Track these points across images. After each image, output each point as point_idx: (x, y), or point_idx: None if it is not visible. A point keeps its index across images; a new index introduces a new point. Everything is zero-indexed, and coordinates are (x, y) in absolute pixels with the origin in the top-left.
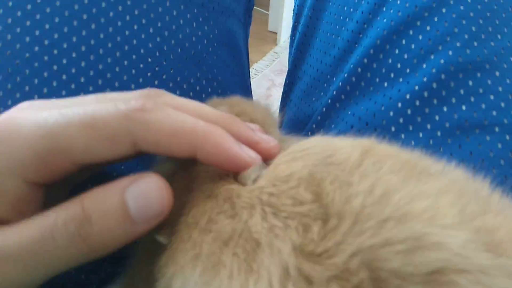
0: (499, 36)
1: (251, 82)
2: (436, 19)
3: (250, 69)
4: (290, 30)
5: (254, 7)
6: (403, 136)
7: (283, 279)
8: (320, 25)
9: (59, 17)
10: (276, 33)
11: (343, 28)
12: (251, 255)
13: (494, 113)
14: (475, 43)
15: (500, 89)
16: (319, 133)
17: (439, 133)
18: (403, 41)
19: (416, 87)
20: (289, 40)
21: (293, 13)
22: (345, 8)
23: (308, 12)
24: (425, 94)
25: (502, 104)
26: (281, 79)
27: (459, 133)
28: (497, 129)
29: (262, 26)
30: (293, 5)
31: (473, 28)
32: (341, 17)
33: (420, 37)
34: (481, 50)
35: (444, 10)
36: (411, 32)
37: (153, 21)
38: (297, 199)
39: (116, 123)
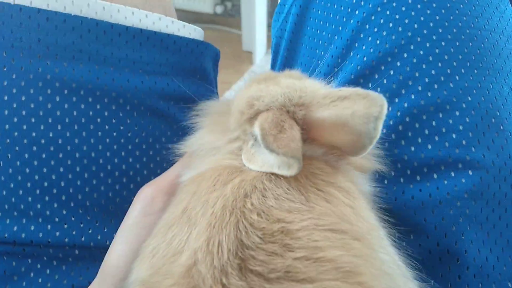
0: (457, 77)
1: None
2: (398, 64)
3: (229, 91)
4: (265, 48)
5: (227, 28)
6: (377, 175)
7: None
8: (296, 65)
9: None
10: (251, 53)
11: (316, 70)
12: None
13: (457, 150)
14: (436, 86)
15: (461, 127)
16: None
17: (408, 172)
18: (370, 85)
19: (384, 130)
20: (265, 58)
21: (272, 51)
22: (316, 51)
23: (284, 52)
24: (393, 136)
25: (464, 142)
26: None
27: (427, 171)
28: (460, 166)
29: (236, 47)
30: (271, 43)
31: (433, 72)
32: (313, 59)
33: (385, 81)
34: (441, 92)
35: (405, 55)
36: (376, 76)
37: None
38: None
39: None
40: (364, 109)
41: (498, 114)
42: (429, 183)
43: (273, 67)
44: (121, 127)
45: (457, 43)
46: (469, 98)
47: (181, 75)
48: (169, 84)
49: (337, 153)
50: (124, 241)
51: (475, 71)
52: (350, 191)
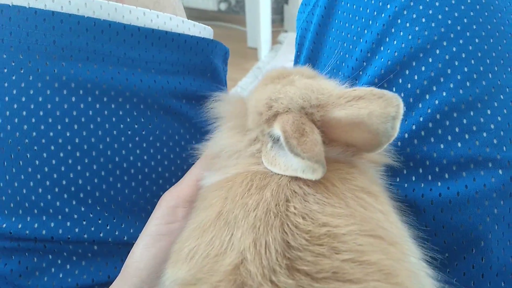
0: (490, 75)
1: None
2: (430, 60)
3: (235, 88)
4: (269, 44)
5: (231, 25)
6: (405, 171)
7: None
8: (322, 58)
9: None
10: (256, 49)
11: (343, 64)
12: None
13: (488, 149)
14: (468, 83)
15: (492, 126)
16: None
17: (437, 169)
18: (400, 80)
19: (414, 127)
20: (269, 54)
21: (296, 43)
22: (345, 44)
23: (310, 45)
24: (423, 133)
25: (495, 141)
26: None
27: (456, 169)
28: (490, 165)
29: (241, 43)
30: (295, 35)
31: (465, 69)
32: (341, 53)
33: (416, 77)
34: (473, 90)
35: (437, 52)
36: (407, 72)
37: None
38: None
39: None
40: (380, 109)
41: None
42: (458, 181)
43: (297, 59)
44: (136, 126)
45: (491, 40)
46: (502, 97)
47: (192, 74)
48: (180, 83)
49: (353, 150)
50: (146, 246)
51: (508, 69)
52: (378, 195)
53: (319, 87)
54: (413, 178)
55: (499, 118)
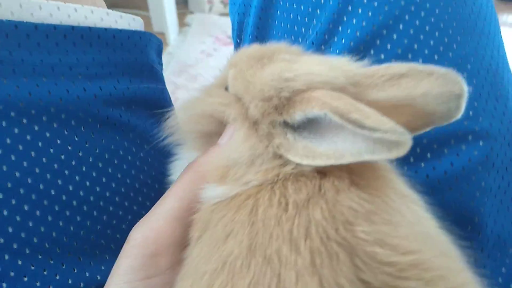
0: (454, 46)
1: None
2: (395, 36)
3: None
4: (177, 27)
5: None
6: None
7: None
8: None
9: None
10: (164, 34)
11: None
12: None
13: (466, 122)
14: (436, 57)
15: None
16: None
17: (418, 150)
18: (366, 61)
19: None
20: (179, 38)
21: (233, 29)
22: (295, 28)
23: (253, 30)
24: None
25: (471, 113)
26: (183, 79)
27: (437, 147)
28: (470, 137)
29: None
30: (231, 23)
31: (431, 42)
32: (292, 37)
33: (382, 57)
34: (443, 63)
35: (401, 27)
36: (372, 52)
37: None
38: None
39: None
40: (438, 87)
41: (494, 80)
42: (441, 159)
43: (237, 46)
44: (69, 147)
45: (450, 9)
46: (469, 66)
47: (127, 75)
48: (116, 87)
49: None
50: None
51: (470, 38)
52: (420, 203)
53: (336, 63)
54: (394, 163)
55: (470, 89)
